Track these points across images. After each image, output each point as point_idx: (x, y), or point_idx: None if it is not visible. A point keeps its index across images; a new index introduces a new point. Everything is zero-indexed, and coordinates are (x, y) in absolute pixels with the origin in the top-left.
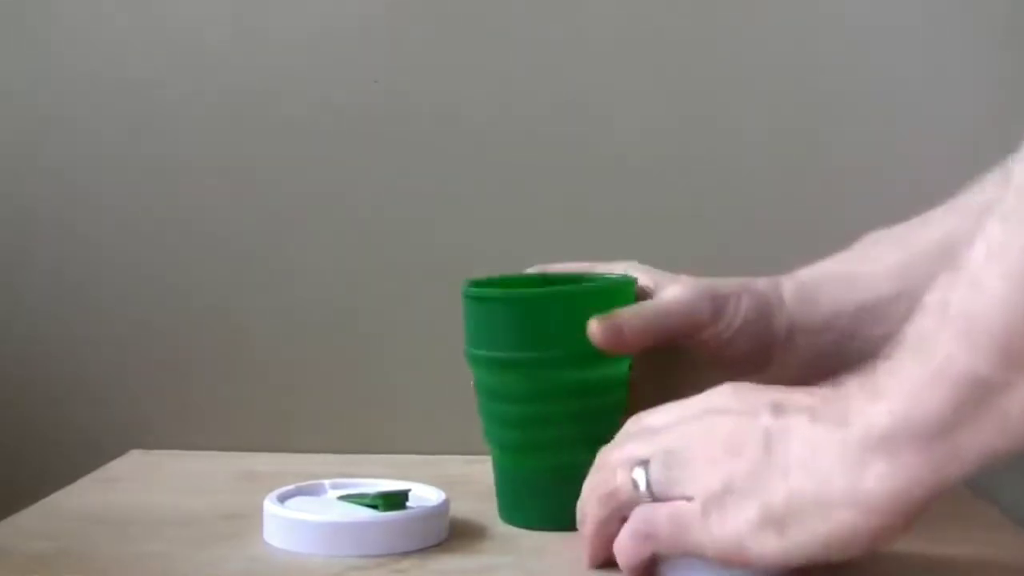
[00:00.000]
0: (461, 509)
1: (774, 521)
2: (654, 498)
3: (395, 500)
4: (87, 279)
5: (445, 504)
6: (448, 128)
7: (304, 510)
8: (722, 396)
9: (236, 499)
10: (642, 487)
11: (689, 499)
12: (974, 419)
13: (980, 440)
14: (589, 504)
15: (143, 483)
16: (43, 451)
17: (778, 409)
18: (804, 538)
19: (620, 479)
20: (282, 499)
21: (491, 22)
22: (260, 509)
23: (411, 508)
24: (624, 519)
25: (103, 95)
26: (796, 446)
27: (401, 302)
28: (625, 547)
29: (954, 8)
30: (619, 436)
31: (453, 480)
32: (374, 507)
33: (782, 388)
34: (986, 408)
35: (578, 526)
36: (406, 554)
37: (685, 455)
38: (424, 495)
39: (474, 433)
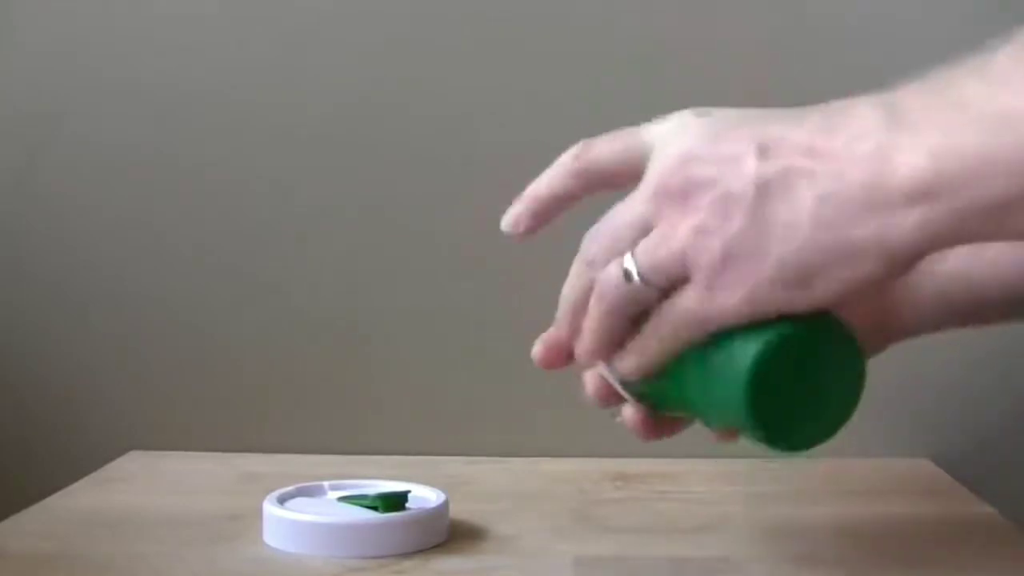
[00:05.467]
0: (461, 510)
1: (794, 279)
2: (647, 285)
3: (395, 501)
4: (86, 280)
5: (445, 505)
6: (445, 127)
7: (304, 511)
8: (693, 143)
9: (236, 500)
10: (635, 278)
11: (688, 280)
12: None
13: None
14: (575, 307)
15: (143, 484)
16: (43, 451)
17: (765, 151)
18: (826, 287)
19: (611, 273)
20: (282, 500)
21: (494, 27)
22: (260, 510)
23: (411, 509)
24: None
25: (95, 105)
26: (802, 194)
27: (400, 302)
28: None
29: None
30: (591, 233)
31: (453, 481)
32: (374, 508)
33: (767, 116)
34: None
35: (564, 336)
36: (406, 555)
37: (670, 232)
38: (424, 496)
39: (474, 433)
